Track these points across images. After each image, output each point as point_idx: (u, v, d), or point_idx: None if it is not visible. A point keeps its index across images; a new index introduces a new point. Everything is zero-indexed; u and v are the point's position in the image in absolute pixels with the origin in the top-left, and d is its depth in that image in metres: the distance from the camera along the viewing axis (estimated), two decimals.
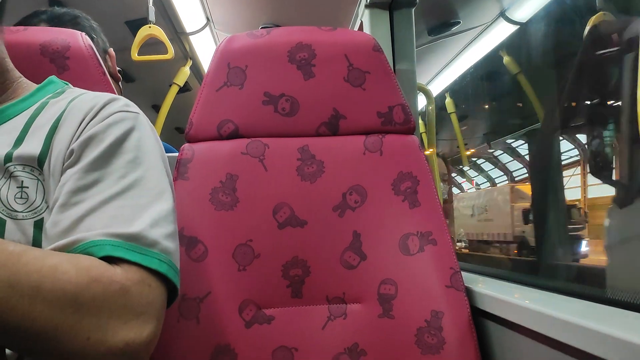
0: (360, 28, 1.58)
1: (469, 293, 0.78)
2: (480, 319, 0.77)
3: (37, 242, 0.54)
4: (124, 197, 0.54)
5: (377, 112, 0.88)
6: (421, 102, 2.36)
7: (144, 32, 1.71)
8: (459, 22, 2.14)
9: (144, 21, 1.72)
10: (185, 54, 2.26)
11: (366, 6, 1.51)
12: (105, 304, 0.45)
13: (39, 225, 0.54)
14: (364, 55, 0.89)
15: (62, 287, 0.44)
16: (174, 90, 2.31)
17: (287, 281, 0.80)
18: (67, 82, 0.72)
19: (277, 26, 1.93)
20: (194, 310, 0.74)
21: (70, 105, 0.61)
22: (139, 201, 0.54)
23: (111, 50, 1.08)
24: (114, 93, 0.81)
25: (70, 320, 0.44)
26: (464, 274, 0.81)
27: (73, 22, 1.07)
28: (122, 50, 1.58)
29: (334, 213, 0.83)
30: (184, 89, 2.45)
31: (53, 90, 0.67)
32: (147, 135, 0.61)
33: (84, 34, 0.83)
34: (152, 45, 1.80)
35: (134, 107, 0.63)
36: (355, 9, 1.65)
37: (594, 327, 0.50)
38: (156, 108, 2.59)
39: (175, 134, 3.36)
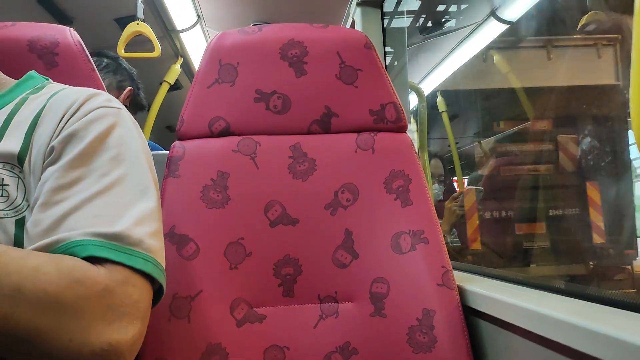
0: (352, 26, 1.58)
1: (460, 291, 0.78)
2: (472, 317, 0.77)
3: (18, 241, 0.53)
4: (107, 195, 0.53)
5: (369, 110, 0.88)
6: (413, 101, 2.36)
7: (131, 28, 1.69)
8: (450, 21, 2.14)
9: (134, 19, 1.71)
10: (176, 51, 2.25)
11: (358, 4, 1.51)
12: (87, 305, 0.45)
13: (20, 224, 0.53)
14: (356, 53, 0.89)
15: (43, 288, 0.43)
16: (164, 88, 2.29)
17: (278, 280, 0.80)
18: (47, 78, 0.70)
19: (268, 23, 1.92)
20: (185, 309, 0.74)
21: (51, 100, 0.60)
22: (122, 199, 0.53)
23: (130, 89, 1.18)
24: (102, 87, 0.80)
25: (51, 321, 0.43)
26: (455, 272, 0.81)
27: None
28: (112, 48, 1.57)
29: (325, 211, 0.83)
30: (175, 87, 2.43)
31: (32, 86, 0.66)
32: (129, 131, 0.60)
33: (72, 29, 0.82)
34: (142, 43, 1.79)
35: (115, 102, 0.62)
36: (347, 6, 1.65)
37: (586, 325, 0.50)
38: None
39: (165, 133, 3.34)
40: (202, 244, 0.78)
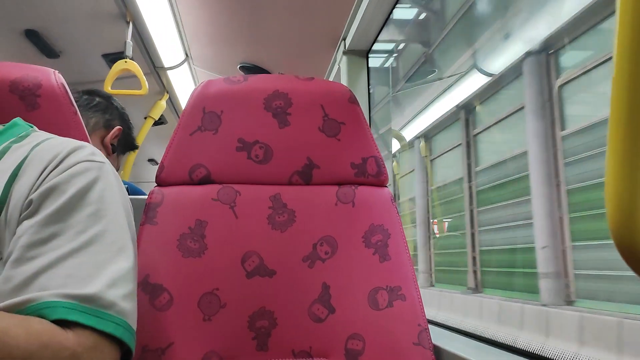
0: (338, 73, 1.61)
1: (436, 351, 0.77)
2: None
3: None
4: (82, 253, 0.52)
5: (350, 163, 0.88)
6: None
7: (119, 66, 1.70)
8: (435, 71, 2.20)
9: (121, 55, 1.71)
10: (162, 88, 2.25)
11: (344, 52, 1.54)
12: None
13: None
14: (339, 106, 0.90)
15: (9, 353, 0.42)
16: (148, 123, 2.29)
17: (252, 333, 0.78)
18: (32, 125, 0.69)
19: (255, 65, 1.94)
20: None
21: (34, 151, 0.59)
22: (98, 258, 0.52)
23: (119, 128, 1.18)
24: (84, 132, 0.80)
25: None
26: (432, 329, 0.80)
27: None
28: (97, 83, 1.57)
29: (303, 264, 0.82)
30: (159, 122, 2.44)
31: (16, 134, 0.64)
32: (111, 186, 0.59)
33: (57, 71, 0.82)
34: (129, 78, 1.79)
35: (99, 156, 0.61)
36: (334, 54, 1.68)
37: None
38: None
39: (148, 166, 3.32)
40: (176, 294, 0.76)
